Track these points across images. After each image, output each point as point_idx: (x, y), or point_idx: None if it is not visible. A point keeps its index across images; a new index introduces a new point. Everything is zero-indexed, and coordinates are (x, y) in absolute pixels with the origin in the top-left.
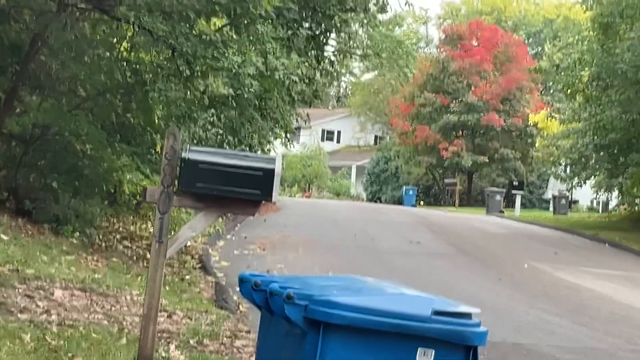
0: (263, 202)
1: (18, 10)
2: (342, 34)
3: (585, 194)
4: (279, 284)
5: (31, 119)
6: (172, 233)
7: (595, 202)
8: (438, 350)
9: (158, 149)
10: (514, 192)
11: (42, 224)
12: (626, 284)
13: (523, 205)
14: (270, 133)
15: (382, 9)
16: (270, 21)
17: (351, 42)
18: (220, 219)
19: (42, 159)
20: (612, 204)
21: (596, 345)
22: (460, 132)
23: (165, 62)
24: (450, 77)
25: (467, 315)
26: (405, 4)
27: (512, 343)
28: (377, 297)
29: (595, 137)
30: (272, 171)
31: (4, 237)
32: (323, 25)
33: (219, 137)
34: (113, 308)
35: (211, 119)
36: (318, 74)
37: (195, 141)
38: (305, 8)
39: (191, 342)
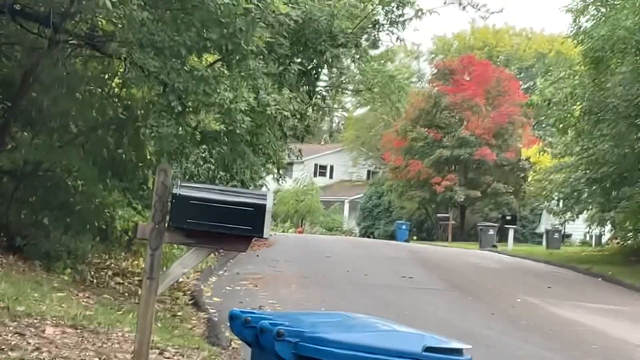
0: (255, 238)
1: (9, 46)
2: (334, 69)
3: (578, 227)
4: (269, 320)
5: (23, 155)
6: (164, 269)
7: (588, 236)
8: None
9: (150, 184)
10: (506, 226)
11: (33, 260)
12: (619, 318)
13: (516, 240)
14: (262, 168)
15: (374, 45)
16: (261, 57)
17: (343, 77)
18: (212, 255)
19: (33, 195)
20: (605, 237)
21: None
22: (453, 167)
23: (156, 98)
24: (442, 111)
25: (459, 352)
26: (397, 40)
27: None
28: (368, 333)
29: (588, 171)
30: (263, 207)
31: None
32: (315, 60)
33: (210, 172)
34: (104, 345)
35: (203, 155)
36: (310, 109)
37: (187, 177)
38: (297, 44)
39: None
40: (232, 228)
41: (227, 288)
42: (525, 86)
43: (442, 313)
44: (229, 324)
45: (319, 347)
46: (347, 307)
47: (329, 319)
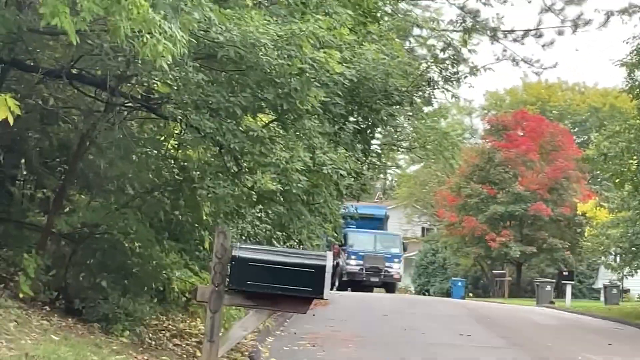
0: (316, 299)
1: (66, 110)
2: (388, 127)
3: (636, 282)
4: None
5: (80, 218)
6: (223, 331)
7: None
8: None
9: (206, 245)
10: (563, 282)
11: (92, 323)
12: None
13: (573, 296)
14: (319, 228)
15: (428, 102)
16: (316, 116)
17: (397, 135)
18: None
19: (91, 257)
20: None
21: None
22: (508, 223)
23: (212, 159)
24: (496, 167)
25: None
26: (452, 97)
27: None
28: None
29: None
30: (323, 268)
31: (55, 338)
32: (369, 119)
33: (267, 232)
34: None
35: (259, 215)
36: (365, 168)
37: (243, 237)
38: (352, 102)
39: None
40: (292, 290)
41: (285, 348)
42: (579, 140)
43: None
44: None
45: None
46: None
47: None
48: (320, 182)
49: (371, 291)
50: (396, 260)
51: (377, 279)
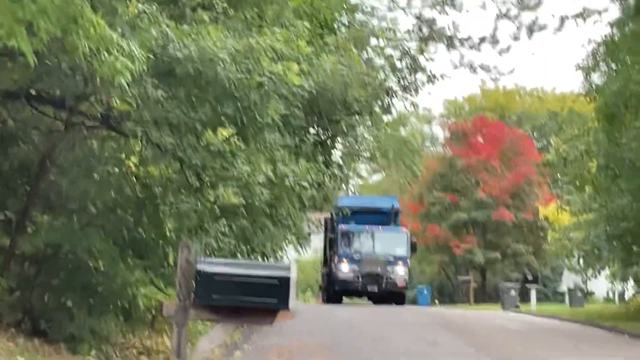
0: (281, 310)
1: (26, 131)
2: (349, 137)
3: (600, 284)
4: None
5: (43, 239)
6: (190, 346)
7: (611, 292)
8: None
9: (171, 261)
10: (528, 286)
11: (58, 343)
12: None
13: (538, 299)
14: (282, 240)
15: (387, 111)
16: (277, 129)
17: (358, 145)
18: (235, 329)
19: (55, 277)
20: (629, 293)
21: None
22: (471, 229)
23: (174, 175)
24: (458, 174)
25: None
26: (411, 105)
27: None
28: None
29: (607, 228)
30: (288, 279)
31: (21, 359)
32: (330, 130)
33: (231, 246)
34: None
35: (223, 229)
36: (327, 179)
37: (208, 252)
38: (312, 114)
39: None
40: (258, 302)
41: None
42: (539, 145)
43: None
44: None
45: None
46: None
47: None
48: (282, 194)
49: (373, 302)
50: (401, 263)
51: (375, 288)
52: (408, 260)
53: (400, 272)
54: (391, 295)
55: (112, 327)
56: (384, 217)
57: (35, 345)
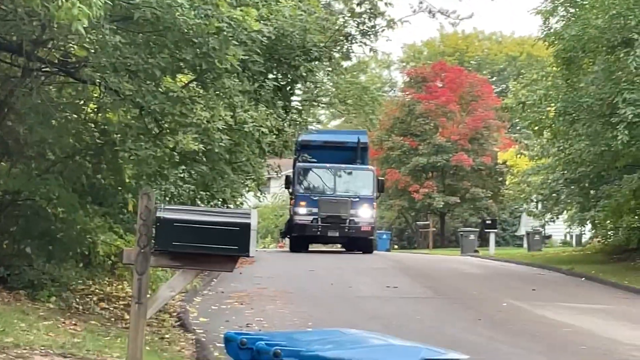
0: (242, 256)
1: None
2: (308, 83)
3: (558, 228)
4: (265, 341)
5: (1, 185)
6: (150, 293)
7: (568, 236)
8: None
9: (130, 208)
10: (487, 230)
11: (18, 290)
12: (606, 318)
13: (497, 244)
14: (242, 186)
15: (347, 56)
16: (236, 75)
17: (317, 91)
18: (196, 275)
19: (14, 225)
20: (586, 237)
21: None
22: (431, 174)
23: (133, 121)
24: (417, 119)
25: None
26: (370, 51)
27: None
28: (364, 349)
29: (565, 172)
30: (248, 226)
31: None
32: (289, 75)
33: (191, 193)
34: None
35: (182, 175)
36: (286, 124)
37: (167, 199)
38: (271, 60)
39: None
40: (218, 248)
41: (213, 307)
42: (499, 89)
43: (429, 322)
44: (224, 347)
45: None
46: (334, 321)
47: (324, 336)
48: (242, 140)
49: (346, 249)
50: (366, 204)
51: (337, 233)
52: (374, 202)
53: (365, 214)
54: (355, 242)
55: (71, 273)
56: (350, 153)
57: None
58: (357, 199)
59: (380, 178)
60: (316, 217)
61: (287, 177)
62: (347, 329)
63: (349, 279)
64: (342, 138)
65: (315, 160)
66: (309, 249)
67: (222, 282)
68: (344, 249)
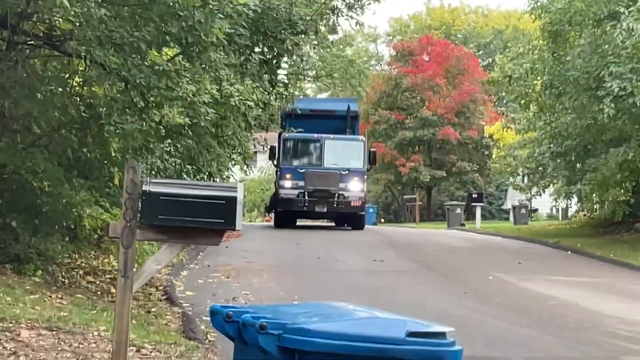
0: (228, 230)
1: None
2: (294, 57)
3: (544, 202)
4: (251, 314)
5: None
6: (137, 266)
7: (554, 209)
8: None
9: (116, 181)
10: (473, 204)
11: (4, 264)
12: (591, 290)
13: (483, 217)
14: (228, 160)
15: (333, 30)
16: (222, 48)
17: (303, 64)
18: (183, 249)
19: (2, 199)
20: (572, 210)
21: (567, 354)
22: (417, 148)
23: (119, 95)
24: (403, 93)
25: (442, 335)
26: (356, 24)
27: (482, 357)
28: (349, 322)
29: (552, 145)
30: (234, 199)
31: None
32: (275, 49)
33: (177, 167)
34: (81, 346)
35: (168, 149)
36: (273, 98)
37: (153, 172)
38: (257, 33)
39: None
40: (204, 222)
41: (199, 281)
42: (485, 63)
43: (415, 295)
44: (210, 320)
45: (302, 338)
46: (320, 294)
47: (310, 309)
48: (228, 114)
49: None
50: (356, 177)
51: (325, 208)
52: (365, 175)
53: (355, 188)
54: (345, 217)
55: (57, 247)
56: (339, 123)
57: None
58: (347, 172)
59: (372, 149)
60: (302, 191)
61: (272, 147)
62: (333, 302)
63: (335, 253)
64: (331, 106)
65: (302, 130)
66: (297, 224)
67: (208, 256)
68: (333, 225)
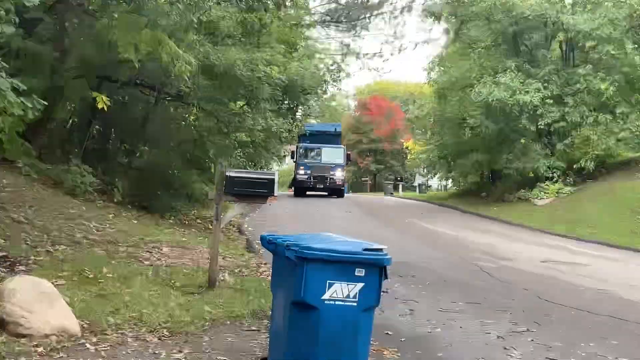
0: (270, 197)
1: (135, 102)
2: (305, 106)
3: (434, 182)
4: (282, 239)
5: (146, 159)
6: (223, 215)
7: (440, 186)
8: (366, 269)
9: (212, 170)
10: (397, 183)
11: (154, 213)
12: (462, 228)
13: (403, 189)
14: (271, 159)
15: (324, 92)
16: (267, 101)
17: (309, 110)
18: (248, 207)
19: (152, 178)
20: (449, 187)
21: (443, 257)
22: (369, 153)
23: (213, 125)
24: (363, 125)
25: (381, 250)
26: (337, 89)
27: (403, 261)
28: (333, 243)
29: (438, 153)
30: (273, 179)
31: (134, 222)
32: (295, 102)
33: (244, 163)
34: (194, 255)
35: (239, 154)
36: (293, 127)
37: (231, 165)
38: (285, 93)
39: (235, 271)
40: (257, 192)
41: (255, 222)
42: (405, 108)
43: (366, 228)
44: (260, 242)
45: (308, 251)
46: (318, 228)
47: (313, 237)
48: (270, 135)
49: (321, 196)
50: (339, 169)
51: (322, 186)
52: (344, 167)
53: (339, 174)
54: (333, 191)
55: (182, 204)
56: (330, 137)
57: (142, 214)
58: (334, 166)
59: (348, 153)
60: (309, 176)
61: (292, 152)
62: (324, 233)
63: (326, 209)
64: (325, 128)
65: (309, 142)
66: (307, 194)
67: (260, 210)
68: (327, 195)
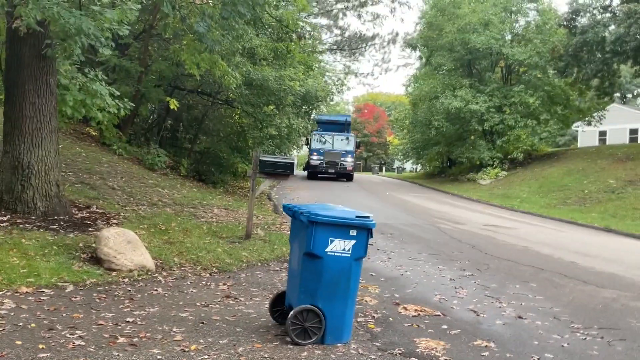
0: (290, 175)
1: (196, 105)
2: (317, 109)
3: (408, 165)
4: (297, 207)
5: (204, 145)
6: (257, 187)
7: (413, 168)
8: (358, 230)
9: (251, 155)
10: (381, 165)
11: (208, 184)
12: (426, 199)
13: (386, 171)
14: (292, 147)
15: (332, 100)
16: (290, 106)
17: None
18: (275, 182)
19: (208, 160)
20: (419, 169)
21: (415, 222)
22: (362, 145)
23: (251, 123)
24: (358, 124)
25: (368, 217)
26: (340, 98)
27: (384, 223)
28: (334, 211)
29: (412, 145)
30: (293, 163)
31: (195, 190)
32: (310, 107)
33: (272, 150)
34: (236, 215)
35: (270, 143)
36: (309, 125)
37: (263, 152)
38: (303, 100)
39: (265, 227)
40: (282, 171)
41: (280, 192)
42: (389, 112)
43: (359, 200)
44: (282, 209)
45: (316, 217)
46: (326, 200)
47: (320, 207)
48: (292, 131)
49: (331, 180)
50: (349, 155)
51: (333, 171)
52: (354, 154)
53: (349, 160)
54: (343, 175)
55: (229, 178)
56: (341, 127)
57: (200, 185)
58: (345, 152)
59: (357, 141)
60: (322, 162)
61: (307, 139)
62: (329, 204)
63: (332, 184)
64: (337, 118)
65: (322, 130)
66: (318, 177)
67: (284, 185)
68: (337, 178)
